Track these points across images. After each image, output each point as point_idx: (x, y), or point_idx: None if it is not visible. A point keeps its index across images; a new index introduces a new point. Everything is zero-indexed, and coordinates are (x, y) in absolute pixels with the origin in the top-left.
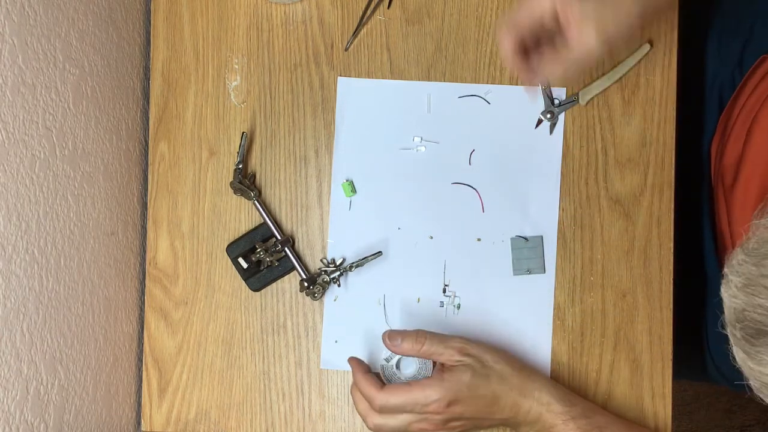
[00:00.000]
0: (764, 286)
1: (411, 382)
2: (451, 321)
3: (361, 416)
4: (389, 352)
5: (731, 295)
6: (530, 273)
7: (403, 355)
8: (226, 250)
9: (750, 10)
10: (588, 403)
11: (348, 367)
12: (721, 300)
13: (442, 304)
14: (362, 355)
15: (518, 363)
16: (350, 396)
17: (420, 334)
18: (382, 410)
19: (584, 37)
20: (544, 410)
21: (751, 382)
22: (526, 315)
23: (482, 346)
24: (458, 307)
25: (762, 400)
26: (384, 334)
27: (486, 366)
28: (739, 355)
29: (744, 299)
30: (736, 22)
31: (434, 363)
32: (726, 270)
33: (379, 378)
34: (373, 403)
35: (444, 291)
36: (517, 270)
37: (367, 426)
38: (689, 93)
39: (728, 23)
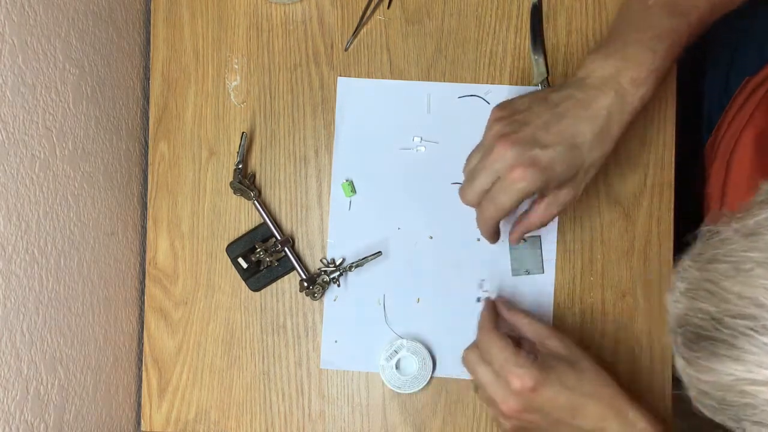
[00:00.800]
0: (706, 290)
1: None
2: (514, 255)
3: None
4: (389, 353)
5: (674, 300)
6: (529, 273)
7: (506, 315)
8: (226, 250)
9: (732, 33)
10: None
11: (348, 367)
12: None
13: (478, 299)
14: (362, 355)
15: (613, 377)
16: (350, 395)
17: (527, 314)
18: (479, 345)
19: (562, 199)
20: None
21: (690, 392)
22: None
23: (579, 347)
24: (524, 241)
25: (701, 411)
26: (498, 300)
27: (581, 362)
28: (679, 363)
29: (686, 303)
30: (721, 45)
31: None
32: (673, 277)
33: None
34: (478, 330)
35: (481, 286)
36: (516, 270)
37: (462, 357)
38: (688, 99)
39: (713, 45)
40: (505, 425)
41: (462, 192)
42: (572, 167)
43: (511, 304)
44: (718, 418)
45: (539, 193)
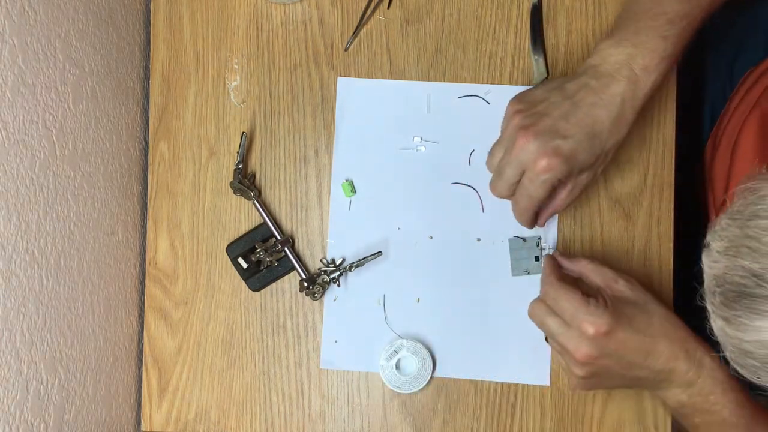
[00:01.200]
0: (747, 247)
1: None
2: (544, 224)
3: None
4: (389, 353)
5: (713, 260)
6: (529, 273)
7: (568, 266)
8: (226, 250)
9: (737, 24)
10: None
11: (348, 367)
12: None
13: (537, 258)
14: (362, 355)
15: (681, 319)
16: (350, 395)
17: (590, 260)
18: (546, 298)
19: (583, 182)
20: (706, 374)
21: (728, 354)
22: (526, 315)
23: (646, 290)
24: (524, 241)
25: (738, 373)
26: (556, 253)
27: (649, 305)
28: (717, 324)
29: (725, 263)
30: (724, 37)
31: (428, 360)
32: (708, 238)
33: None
34: (542, 285)
35: (538, 244)
36: (516, 270)
37: (528, 310)
38: (688, 100)
39: (717, 37)
40: (579, 373)
41: (493, 186)
42: (593, 154)
43: (571, 255)
44: (759, 379)
45: (562, 179)
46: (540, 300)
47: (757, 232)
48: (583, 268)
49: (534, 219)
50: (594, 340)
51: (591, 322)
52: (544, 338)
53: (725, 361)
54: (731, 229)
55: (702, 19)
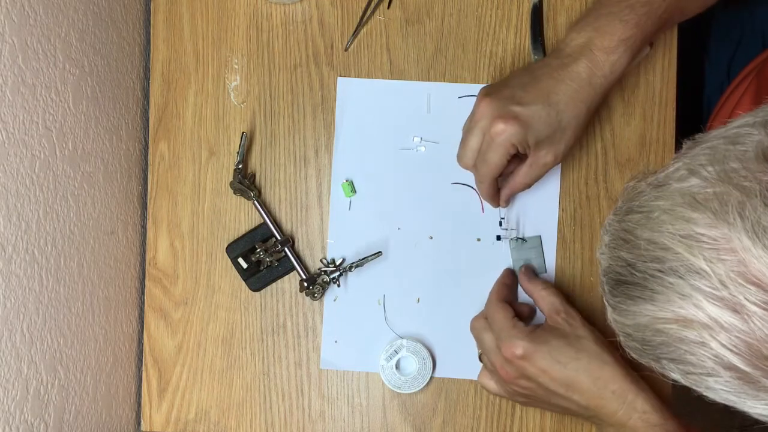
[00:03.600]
0: (623, 239)
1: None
2: (544, 225)
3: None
4: (389, 353)
5: (600, 252)
6: None
7: (525, 285)
8: (226, 250)
9: (736, 23)
10: (682, 420)
11: (348, 367)
12: None
13: (499, 237)
14: (362, 355)
15: (622, 358)
16: (350, 395)
17: (552, 286)
18: (486, 313)
19: (542, 159)
20: (637, 416)
21: (619, 338)
22: None
23: (588, 325)
24: (524, 241)
25: (630, 355)
26: (522, 269)
27: (581, 339)
28: (608, 311)
29: (609, 254)
30: (726, 32)
31: (433, 363)
32: (600, 232)
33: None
34: (486, 307)
35: (500, 224)
36: (518, 271)
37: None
38: (688, 99)
39: (716, 36)
40: (504, 388)
41: (458, 156)
42: (549, 125)
43: (534, 274)
44: (644, 360)
45: (522, 155)
46: (482, 314)
47: (631, 226)
48: (536, 293)
49: (495, 193)
50: (511, 362)
51: (509, 344)
52: (478, 356)
53: (688, 400)
54: (614, 224)
55: (666, 9)
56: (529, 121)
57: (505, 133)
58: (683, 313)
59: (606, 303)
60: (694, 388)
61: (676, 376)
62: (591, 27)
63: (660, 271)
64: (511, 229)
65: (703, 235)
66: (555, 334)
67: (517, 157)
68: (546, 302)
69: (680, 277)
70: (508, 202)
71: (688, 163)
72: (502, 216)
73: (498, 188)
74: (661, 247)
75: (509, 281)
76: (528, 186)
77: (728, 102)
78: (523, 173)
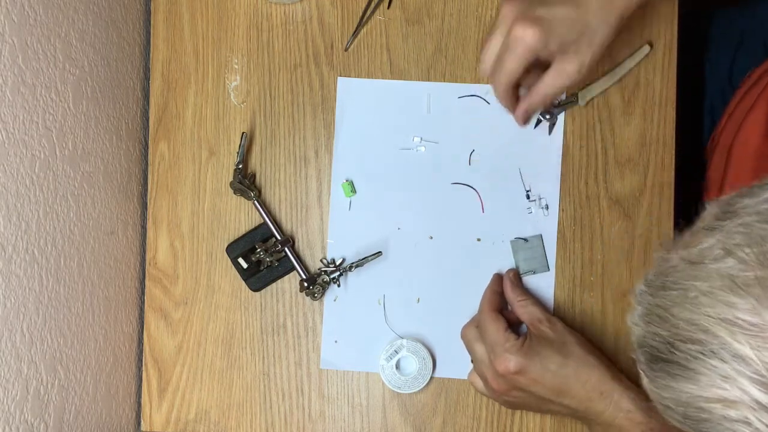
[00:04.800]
0: (659, 316)
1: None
2: (544, 224)
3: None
4: (389, 353)
5: (634, 323)
6: (535, 273)
7: (506, 292)
8: (226, 250)
9: (738, 25)
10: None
11: (348, 367)
12: None
13: (530, 210)
14: (362, 356)
15: (605, 357)
16: (350, 395)
17: (531, 296)
18: (478, 323)
19: (565, 67)
20: (622, 416)
21: (657, 405)
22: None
23: (570, 329)
24: (547, 208)
25: (670, 421)
26: (506, 275)
27: (567, 345)
28: (643, 380)
29: (643, 327)
30: (726, 37)
31: (433, 362)
32: (631, 298)
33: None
34: (479, 318)
35: (528, 197)
36: (522, 271)
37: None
38: (688, 100)
39: (717, 38)
40: (494, 397)
41: (479, 64)
42: (575, 28)
43: (518, 282)
44: (685, 429)
45: (545, 63)
46: (472, 323)
47: (667, 303)
48: (516, 304)
49: (515, 102)
50: (504, 377)
51: (503, 360)
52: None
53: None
54: (646, 296)
55: None
56: (552, 24)
57: (525, 37)
58: (727, 395)
59: (641, 372)
60: None
61: None
62: None
63: (701, 353)
64: (541, 198)
65: (746, 321)
66: (543, 344)
67: (539, 67)
68: (526, 312)
69: (723, 361)
70: (528, 118)
71: (723, 241)
72: (528, 189)
73: (518, 98)
74: (702, 330)
75: (500, 288)
76: (547, 98)
77: (738, 110)
78: (543, 83)
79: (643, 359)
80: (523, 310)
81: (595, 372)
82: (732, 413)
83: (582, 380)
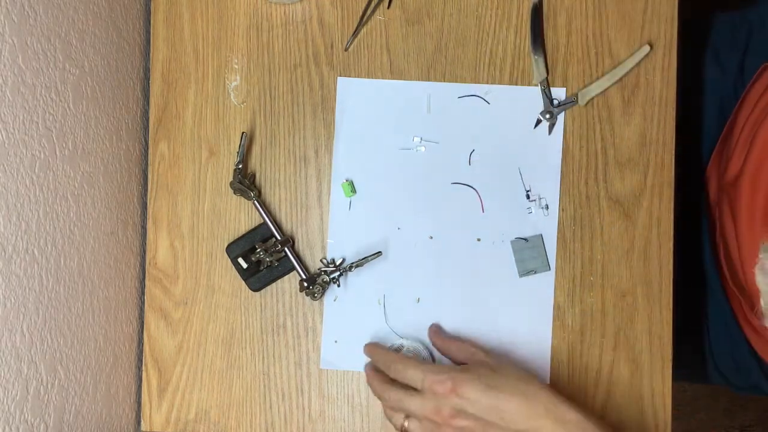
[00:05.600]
0: None
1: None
2: (544, 224)
3: (377, 395)
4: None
5: None
6: (536, 273)
7: (441, 347)
8: (226, 250)
9: (745, 19)
10: (609, 422)
11: (348, 367)
12: (720, 301)
13: (530, 210)
14: (362, 355)
15: (539, 380)
16: (350, 395)
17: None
18: (396, 372)
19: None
20: (572, 427)
21: None
22: (525, 315)
23: (500, 357)
24: (547, 208)
25: None
26: (433, 327)
27: (504, 366)
28: None
29: None
30: (733, 32)
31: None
32: (762, 255)
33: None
34: (388, 365)
35: (528, 197)
36: (522, 271)
37: (384, 404)
38: (688, 100)
39: (724, 33)
40: None
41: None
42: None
43: (442, 331)
44: None
45: None
46: (380, 373)
47: None
48: (449, 347)
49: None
50: (446, 397)
51: (438, 381)
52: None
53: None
54: None
55: None
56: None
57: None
58: None
59: None
60: None
61: None
62: None
63: None
64: (541, 198)
65: None
66: (478, 365)
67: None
68: (461, 349)
69: None
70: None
71: None
72: (528, 188)
73: None
74: None
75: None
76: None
77: (762, 101)
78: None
79: None
80: (460, 351)
81: (536, 387)
82: None
83: (524, 394)
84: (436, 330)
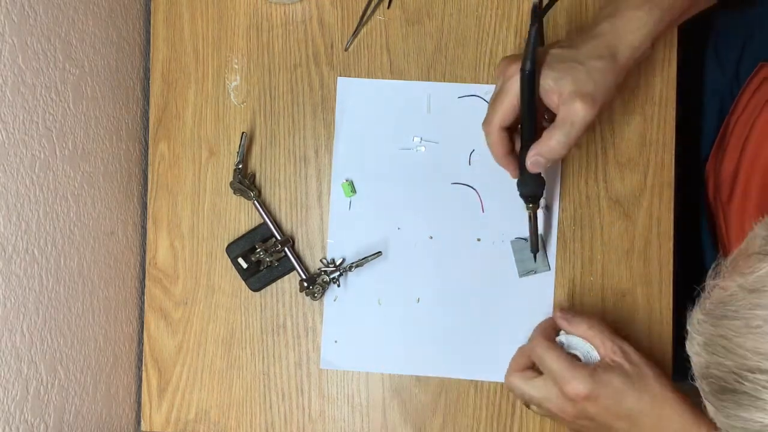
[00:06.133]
0: (722, 346)
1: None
2: (543, 223)
3: (507, 374)
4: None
5: (695, 352)
6: (536, 273)
7: (567, 329)
8: (226, 250)
9: (744, 19)
10: None
11: (348, 367)
12: None
13: (547, 207)
14: (362, 356)
15: (681, 395)
16: (350, 395)
17: (594, 318)
18: (536, 356)
19: (572, 111)
20: None
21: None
22: (526, 315)
23: (646, 359)
24: (547, 208)
25: None
26: (558, 310)
27: (644, 378)
28: (709, 408)
29: (706, 357)
30: (732, 31)
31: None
32: (688, 327)
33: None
34: (534, 346)
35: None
36: (522, 271)
37: (505, 384)
38: (688, 100)
39: (724, 32)
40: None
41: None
42: (565, 58)
43: (573, 314)
44: None
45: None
46: (517, 368)
47: (729, 333)
48: (584, 333)
49: (506, 152)
50: (574, 401)
51: (573, 384)
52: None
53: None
54: (706, 326)
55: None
56: (545, 58)
57: (516, 73)
58: None
59: (706, 401)
60: None
61: None
62: None
63: None
64: (541, 198)
65: None
66: (616, 373)
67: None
68: (599, 341)
69: None
70: (523, 170)
71: None
72: (541, 233)
73: (511, 149)
74: None
75: (551, 325)
76: (556, 153)
77: (753, 101)
78: (549, 133)
79: (708, 389)
80: (596, 339)
81: (670, 408)
82: None
83: (657, 415)
84: (564, 313)
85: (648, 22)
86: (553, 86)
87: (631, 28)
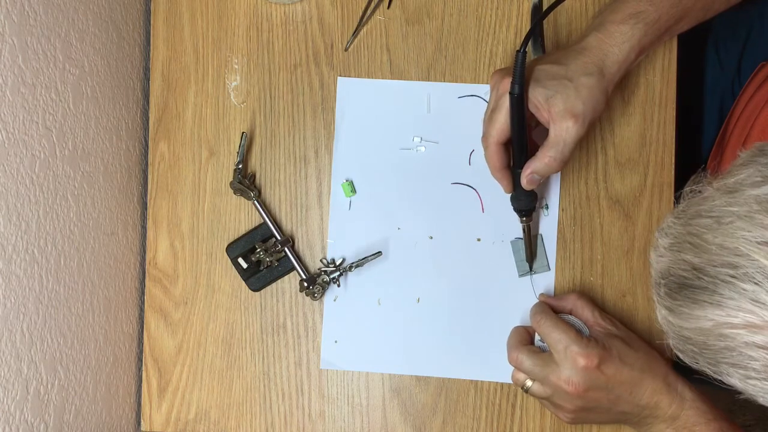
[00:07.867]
0: (690, 243)
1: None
2: (544, 224)
3: (507, 349)
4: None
5: (659, 255)
6: (535, 273)
7: (556, 306)
8: (226, 250)
9: (745, 17)
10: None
11: (348, 367)
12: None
13: (547, 206)
14: (362, 356)
15: (662, 354)
16: (350, 395)
17: (579, 295)
18: (542, 327)
19: (563, 130)
20: (689, 405)
21: (671, 341)
22: (526, 315)
23: (629, 331)
24: (547, 208)
25: (678, 357)
26: (543, 296)
27: (634, 341)
28: (661, 313)
29: (670, 257)
30: (732, 30)
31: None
32: (656, 234)
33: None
34: (539, 319)
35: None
36: (521, 271)
37: (508, 360)
38: (689, 100)
39: (725, 31)
40: (569, 407)
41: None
42: (555, 75)
43: (554, 298)
44: (697, 364)
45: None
46: (519, 343)
47: (699, 230)
48: (573, 303)
49: (503, 166)
50: (585, 372)
51: (584, 354)
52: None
53: (669, 349)
54: (676, 227)
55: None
56: (534, 73)
57: (507, 90)
58: (754, 320)
59: (659, 305)
60: (750, 393)
61: (733, 380)
62: (605, 8)
63: (733, 276)
64: (541, 198)
65: None
66: (614, 338)
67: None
68: (588, 309)
69: (756, 284)
70: (513, 185)
71: (762, 170)
72: (541, 233)
73: (507, 163)
74: (735, 253)
75: (545, 306)
76: (550, 170)
77: (754, 100)
78: (543, 151)
79: (664, 291)
80: (585, 309)
81: (661, 364)
82: (758, 338)
83: (653, 372)
84: (548, 297)
85: (632, 37)
86: (543, 104)
87: (616, 42)
